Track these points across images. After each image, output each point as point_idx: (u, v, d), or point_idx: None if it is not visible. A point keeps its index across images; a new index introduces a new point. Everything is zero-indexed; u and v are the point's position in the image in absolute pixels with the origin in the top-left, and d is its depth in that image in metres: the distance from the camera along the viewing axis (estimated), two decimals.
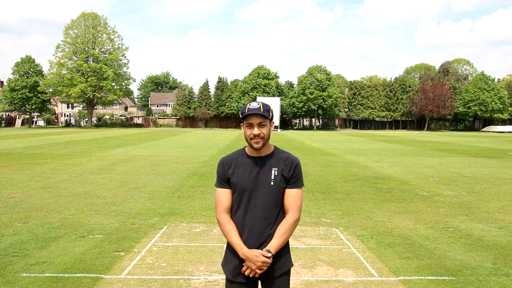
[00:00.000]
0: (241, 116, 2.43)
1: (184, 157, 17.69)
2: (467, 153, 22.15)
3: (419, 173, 13.38)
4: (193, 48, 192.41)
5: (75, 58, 64.22)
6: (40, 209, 7.50)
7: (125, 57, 67.73)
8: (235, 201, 2.48)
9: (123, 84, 68.37)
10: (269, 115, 2.42)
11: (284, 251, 2.46)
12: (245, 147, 2.57)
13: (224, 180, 2.49)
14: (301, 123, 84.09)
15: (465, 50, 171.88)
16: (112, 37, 66.03)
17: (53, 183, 10.40)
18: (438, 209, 7.96)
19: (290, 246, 2.61)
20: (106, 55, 65.30)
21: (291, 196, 2.45)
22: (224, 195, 2.49)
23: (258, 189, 2.42)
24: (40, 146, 22.95)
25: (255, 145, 2.41)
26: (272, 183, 2.42)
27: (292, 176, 2.45)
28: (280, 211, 2.46)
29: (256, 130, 2.39)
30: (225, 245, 2.59)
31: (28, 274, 4.39)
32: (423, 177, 12.35)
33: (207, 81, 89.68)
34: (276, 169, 2.44)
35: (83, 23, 64.47)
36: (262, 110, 2.38)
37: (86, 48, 64.31)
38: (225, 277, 2.54)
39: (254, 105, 2.40)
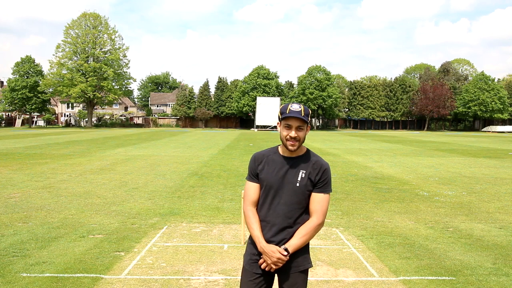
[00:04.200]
0: (280, 115, 2.45)
1: (184, 157, 17.69)
2: (467, 153, 22.15)
3: (419, 173, 13.38)
4: (193, 48, 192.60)
5: (75, 58, 64.16)
6: (40, 209, 7.50)
7: (126, 57, 67.76)
8: (261, 196, 2.55)
9: (124, 84, 68.37)
10: (308, 120, 2.45)
11: (303, 251, 2.50)
12: (279, 145, 2.60)
13: (254, 175, 2.56)
14: None
15: (463, 50, 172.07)
16: (112, 37, 66.06)
17: (53, 183, 10.40)
18: (438, 209, 7.96)
19: None
20: (107, 55, 65.26)
21: (317, 200, 2.48)
22: (253, 189, 2.56)
23: (283, 188, 2.47)
24: (40, 146, 22.95)
25: (290, 147, 2.45)
26: (297, 184, 2.46)
27: (320, 180, 2.48)
28: (303, 213, 2.50)
29: (293, 133, 2.42)
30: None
31: (28, 274, 4.39)
32: (423, 177, 12.35)
33: (207, 81, 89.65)
34: (304, 171, 2.48)
35: (84, 23, 64.42)
36: (303, 114, 2.40)
37: (87, 48, 64.25)
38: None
39: (296, 107, 2.42)
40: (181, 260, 4.95)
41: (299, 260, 2.48)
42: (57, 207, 7.69)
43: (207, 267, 4.75)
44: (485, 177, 12.62)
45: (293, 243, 2.42)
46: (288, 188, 2.46)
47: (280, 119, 2.46)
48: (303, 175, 2.46)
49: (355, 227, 6.55)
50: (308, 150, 2.57)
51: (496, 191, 10.06)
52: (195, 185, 10.34)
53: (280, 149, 2.56)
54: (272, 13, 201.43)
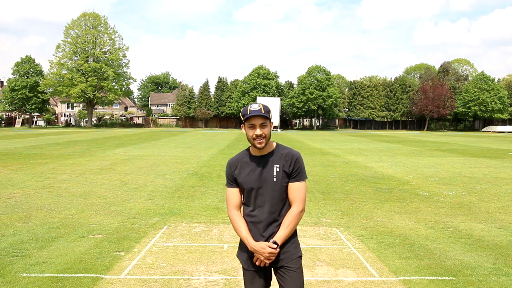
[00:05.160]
0: (242, 117, 2.58)
1: (184, 157, 17.69)
2: (467, 153, 22.15)
3: (419, 173, 13.38)
4: (192, 48, 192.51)
5: (75, 58, 64.15)
6: (40, 209, 7.50)
7: (126, 57, 67.76)
8: (245, 198, 2.68)
9: (124, 84, 68.35)
10: (269, 116, 2.57)
11: (291, 241, 2.61)
12: (249, 147, 2.71)
13: (232, 180, 2.69)
14: (301, 123, 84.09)
15: (463, 50, 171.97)
16: (112, 37, 66.05)
17: (53, 183, 10.40)
18: (438, 209, 7.96)
19: None
20: (107, 55, 65.25)
21: (294, 189, 2.59)
22: (233, 194, 2.69)
23: (263, 187, 2.58)
24: (40, 146, 22.95)
25: (258, 145, 2.55)
26: (274, 179, 2.57)
27: (293, 170, 2.58)
28: (284, 205, 2.61)
29: (258, 131, 2.53)
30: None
31: (28, 274, 4.39)
32: (423, 177, 12.35)
33: (207, 81, 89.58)
34: (278, 165, 2.58)
35: (84, 23, 64.40)
36: (263, 112, 2.52)
37: (87, 48, 64.25)
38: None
39: (255, 107, 2.55)
40: (181, 260, 4.95)
41: (290, 249, 2.59)
42: (57, 207, 7.69)
43: (207, 267, 4.75)
44: (485, 177, 12.62)
45: (280, 235, 2.53)
46: (267, 185, 2.57)
47: (244, 121, 2.58)
48: (278, 169, 2.57)
49: (355, 227, 6.55)
50: (277, 144, 2.68)
51: (496, 191, 10.06)
52: (195, 185, 10.34)
53: (251, 150, 2.67)
54: (272, 13, 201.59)
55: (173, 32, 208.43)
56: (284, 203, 2.61)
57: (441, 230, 6.42)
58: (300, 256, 2.64)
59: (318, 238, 5.93)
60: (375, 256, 5.19)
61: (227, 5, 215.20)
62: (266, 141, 2.55)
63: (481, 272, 4.65)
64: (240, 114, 2.62)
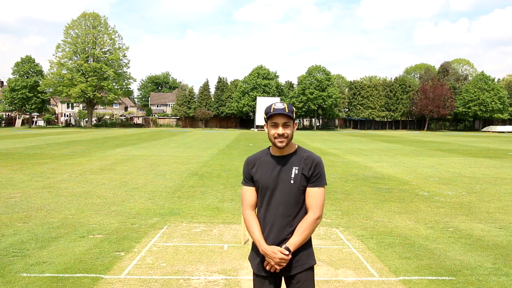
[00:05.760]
0: (265, 115, 2.51)
1: (184, 157, 17.69)
2: (467, 153, 22.15)
3: (419, 173, 13.38)
4: (192, 48, 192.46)
5: (75, 58, 64.14)
6: (40, 209, 7.50)
7: (126, 57, 67.74)
8: (258, 198, 2.58)
9: (124, 84, 68.35)
10: (293, 116, 2.50)
11: (305, 248, 2.51)
12: (269, 146, 2.64)
13: (248, 178, 2.60)
14: (301, 123, 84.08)
15: (463, 50, 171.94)
16: (112, 37, 66.05)
17: (53, 183, 10.40)
18: (438, 209, 7.96)
19: None
20: (107, 55, 65.25)
21: (312, 194, 2.50)
22: (249, 193, 2.59)
23: (278, 188, 2.49)
24: (40, 146, 22.95)
25: (279, 144, 2.48)
26: (292, 181, 2.48)
27: (313, 175, 2.50)
28: (300, 209, 2.52)
29: (280, 130, 2.46)
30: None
31: (28, 274, 4.39)
32: (423, 177, 12.35)
33: (207, 81, 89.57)
34: (297, 168, 2.50)
35: (84, 23, 64.40)
36: (287, 111, 2.45)
37: (87, 48, 64.24)
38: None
39: (279, 105, 2.47)
40: (181, 260, 4.95)
41: (303, 258, 2.49)
42: (57, 207, 7.69)
43: (207, 267, 4.75)
44: (485, 177, 12.62)
45: (294, 241, 2.43)
46: (283, 186, 2.48)
47: (266, 119, 2.52)
48: (296, 172, 2.49)
49: (355, 227, 6.55)
50: (298, 147, 2.60)
51: (496, 191, 10.06)
52: (195, 185, 10.34)
53: (271, 150, 2.60)
54: (272, 13, 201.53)
55: (173, 32, 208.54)
56: (300, 208, 2.51)
57: (441, 230, 6.42)
58: (313, 266, 2.54)
59: (318, 238, 5.93)
60: (375, 256, 5.19)
61: (227, 5, 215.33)
62: (287, 141, 2.48)
63: (481, 272, 4.65)
64: (264, 111, 2.55)
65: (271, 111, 2.46)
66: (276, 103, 2.50)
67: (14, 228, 6.17)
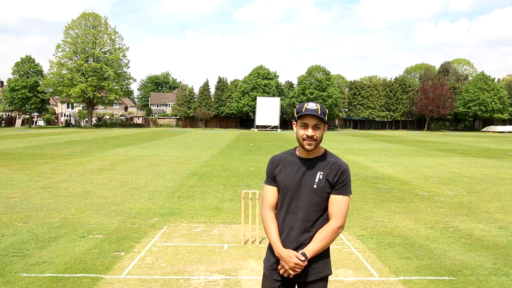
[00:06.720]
0: (296, 115, 2.40)
1: (184, 157, 17.69)
2: (467, 153, 22.15)
3: (419, 173, 13.39)
4: (192, 48, 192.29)
5: (75, 58, 64.09)
6: (40, 209, 7.50)
7: (126, 57, 67.74)
8: (279, 200, 2.49)
9: (124, 84, 68.35)
10: (325, 118, 2.39)
11: (322, 257, 2.42)
12: (296, 147, 2.55)
13: (271, 178, 2.51)
14: None
15: (463, 50, 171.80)
16: (112, 37, 66.02)
17: (53, 183, 10.40)
18: (438, 209, 7.96)
19: None
20: (107, 55, 65.24)
21: (335, 202, 2.40)
22: (271, 192, 2.50)
23: (301, 191, 2.40)
24: (40, 146, 22.95)
25: (307, 146, 2.38)
26: (315, 186, 2.38)
27: (338, 182, 2.39)
28: (321, 216, 2.42)
29: (310, 131, 2.35)
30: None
31: (28, 274, 4.39)
32: (423, 177, 12.35)
33: (207, 81, 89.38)
34: (322, 173, 2.40)
35: (84, 23, 64.36)
36: (319, 112, 2.34)
37: (87, 48, 64.20)
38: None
39: (312, 105, 2.36)
40: (181, 260, 4.95)
41: (319, 266, 2.40)
42: (57, 207, 7.69)
43: (207, 267, 4.75)
44: (485, 177, 12.62)
45: (311, 248, 2.34)
46: (305, 190, 2.39)
47: (296, 119, 2.41)
48: (321, 177, 2.38)
49: (355, 227, 6.55)
50: (326, 151, 2.49)
51: (496, 191, 10.06)
52: (195, 185, 10.34)
53: (297, 151, 2.50)
54: (272, 13, 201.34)
55: (173, 32, 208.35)
56: (321, 214, 2.40)
57: (441, 230, 6.43)
58: (329, 275, 2.44)
59: None
60: (375, 256, 5.19)
61: (227, 5, 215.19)
62: (316, 144, 2.37)
63: (481, 272, 4.65)
64: (295, 110, 2.43)
65: (303, 110, 2.34)
66: (309, 102, 2.40)
67: (14, 228, 6.17)
